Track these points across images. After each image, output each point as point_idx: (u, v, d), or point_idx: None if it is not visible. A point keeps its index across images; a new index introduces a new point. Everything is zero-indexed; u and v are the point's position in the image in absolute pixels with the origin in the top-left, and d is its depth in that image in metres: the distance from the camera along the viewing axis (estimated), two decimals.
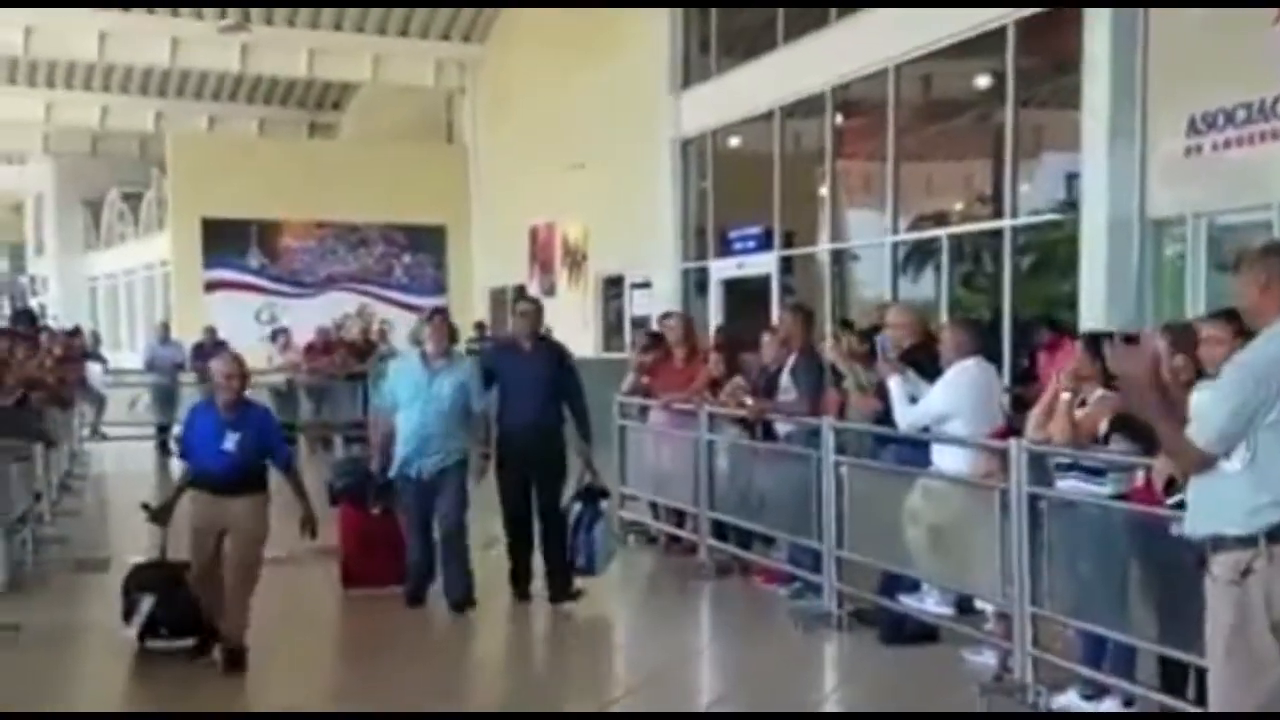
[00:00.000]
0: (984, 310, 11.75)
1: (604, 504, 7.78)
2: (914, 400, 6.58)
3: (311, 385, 16.82)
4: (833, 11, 13.47)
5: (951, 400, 6.38)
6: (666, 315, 11.03)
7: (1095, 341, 5.40)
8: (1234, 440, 3.55)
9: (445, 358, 7.46)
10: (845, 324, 11.14)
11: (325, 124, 29.32)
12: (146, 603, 6.41)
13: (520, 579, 7.67)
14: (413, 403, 7.29)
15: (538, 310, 8.01)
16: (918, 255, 13.13)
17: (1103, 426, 5.07)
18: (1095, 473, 5.23)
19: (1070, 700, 5.43)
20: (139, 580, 6.60)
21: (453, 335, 7.96)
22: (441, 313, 7.84)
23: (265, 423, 6.46)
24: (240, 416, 6.26)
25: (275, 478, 6.41)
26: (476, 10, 22.59)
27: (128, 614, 6.49)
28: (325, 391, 16.87)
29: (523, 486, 7.50)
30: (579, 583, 7.59)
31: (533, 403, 7.42)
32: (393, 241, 23.88)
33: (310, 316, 20.41)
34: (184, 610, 6.36)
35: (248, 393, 6.52)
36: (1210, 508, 3.64)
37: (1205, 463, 3.62)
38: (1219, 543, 3.60)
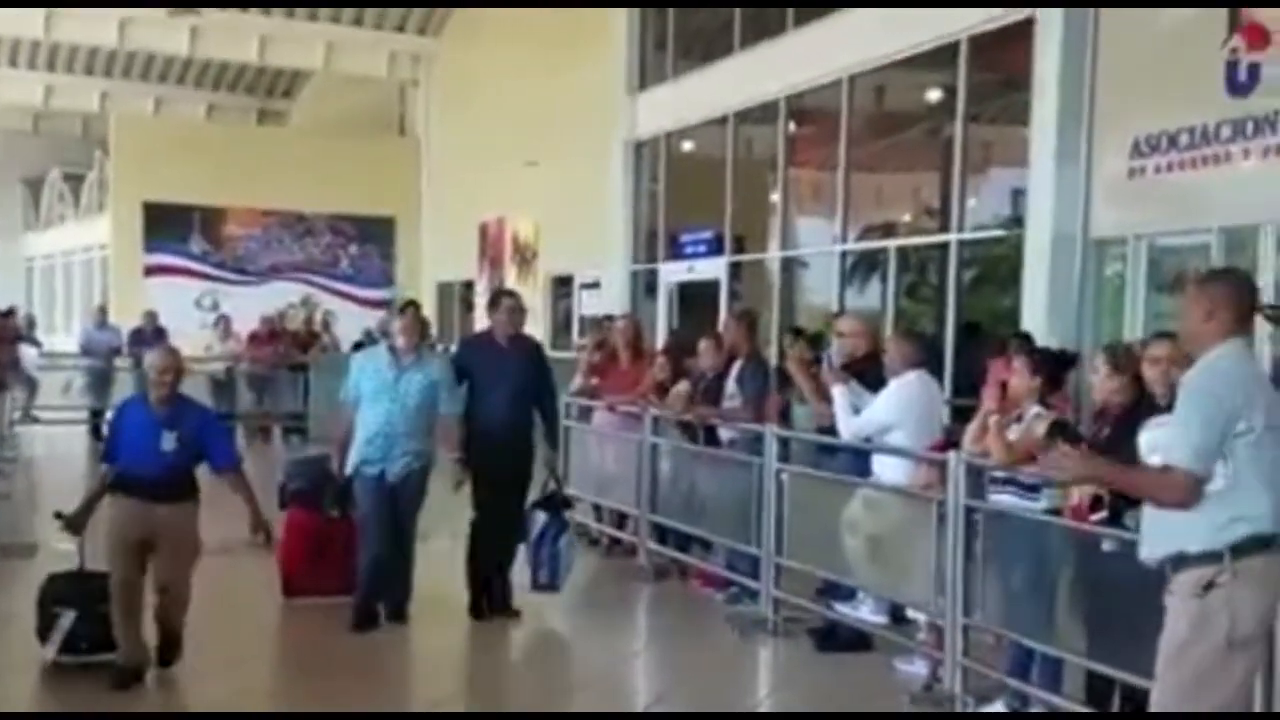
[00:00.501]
0: (927, 321, 11.87)
1: (568, 515, 7.42)
2: (857, 411, 6.63)
3: (253, 375, 16.62)
4: (789, 18, 13.55)
5: (894, 412, 6.44)
6: (610, 317, 11.03)
7: (1035, 357, 5.48)
8: (1211, 455, 3.52)
9: (415, 354, 6.99)
10: (796, 332, 11.20)
11: (275, 111, 29.04)
12: (66, 619, 5.83)
13: (480, 598, 7.21)
14: (378, 399, 6.83)
15: (522, 307, 7.51)
16: (864, 265, 13.23)
17: (1040, 429, 5.11)
18: (1030, 488, 5.29)
19: (998, 710, 5.48)
20: (56, 593, 5.97)
21: (424, 331, 7.43)
22: (414, 306, 7.33)
23: (205, 421, 5.99)
24: (176, 414, 5.78)
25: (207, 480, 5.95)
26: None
27: (44, 631, 5.92)
28: (267, 381, 16.69)
29: (497, 488, 7.08)
30: (531, 598, 7.32)
31: (507, 401, 7.06)
32: (340, 232, 23.71)
33: (253, 305, 20.14)
34: (107, 626, 5.77)
35: (183, 388, 6.02)
36: (1169, 529, 3.64)
37: (1196, 487, 3.54)
38: (1180, 561, 3.59)
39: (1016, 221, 10.71)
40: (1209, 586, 3.50)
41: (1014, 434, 5.35)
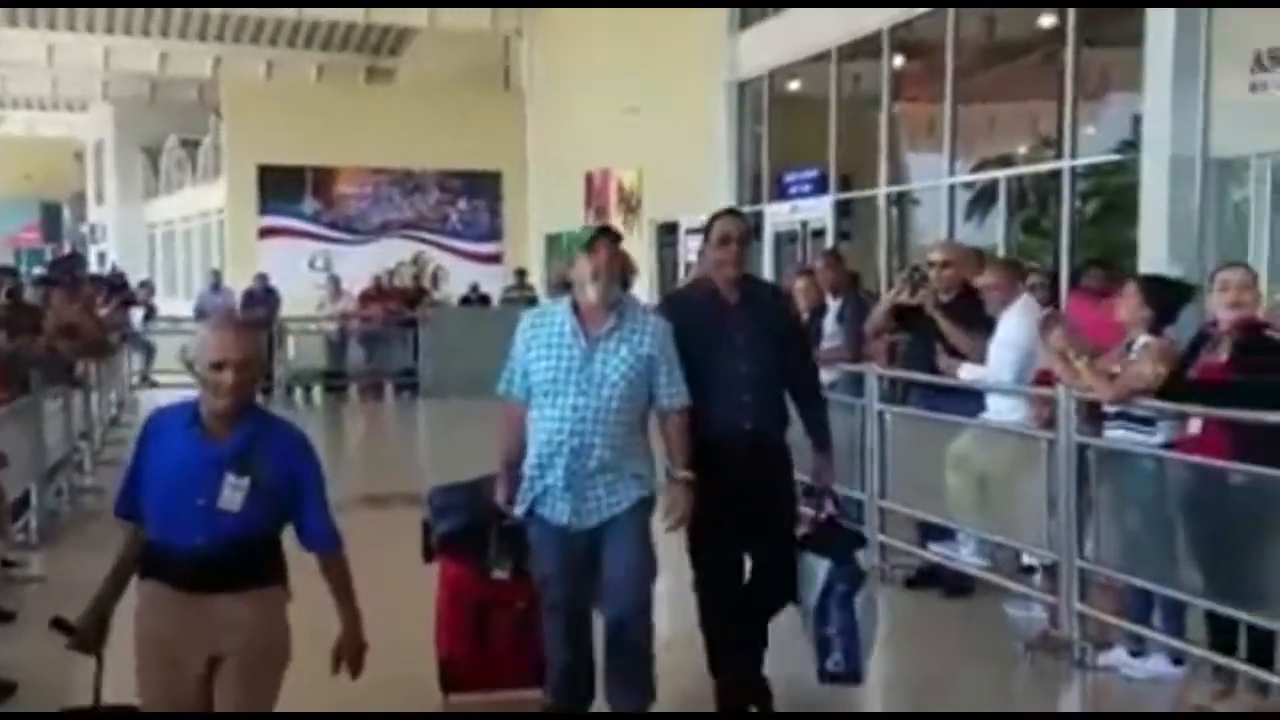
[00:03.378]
0: (1046, 256, 11.44)
1: (861, 557, 4.63)
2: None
3: (364, 333, 16.83)
4: None
5: (1027, 335, 6.14)
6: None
7: (1147, 286, 5.17)
8: None
9: (615, 315, 4.23)
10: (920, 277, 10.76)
11: (383, 69, 29.28)
12: None
13: (735, 687, 4.55)
14: (558, 390, 4.18)
15: (748, 231, 4.78)
16: (979, 200, 12.84)
17: (1150, 372, 4.82)
18: (1145, 421, 5.01)
19: (1117, 657, 5.23)
20: None
21: (626, 276, 4.63)
22: (610, 235, 4.33)
23: (292, 453, 3.27)
24: (247, 441, 3.18)
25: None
26: None
27: None
28: (377, 339, 16.88)
29: (738, 528, 4.45)
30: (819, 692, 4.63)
31: (747, 392, 4.46)
32: (448, 188, 23.87)
33: (365, 264, 20.44)
34: None
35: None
36: None
37: None
38: None
39: (1133, 146, 10.22)
40: None
41: (1123, 366, 5.05)
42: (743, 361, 4.45)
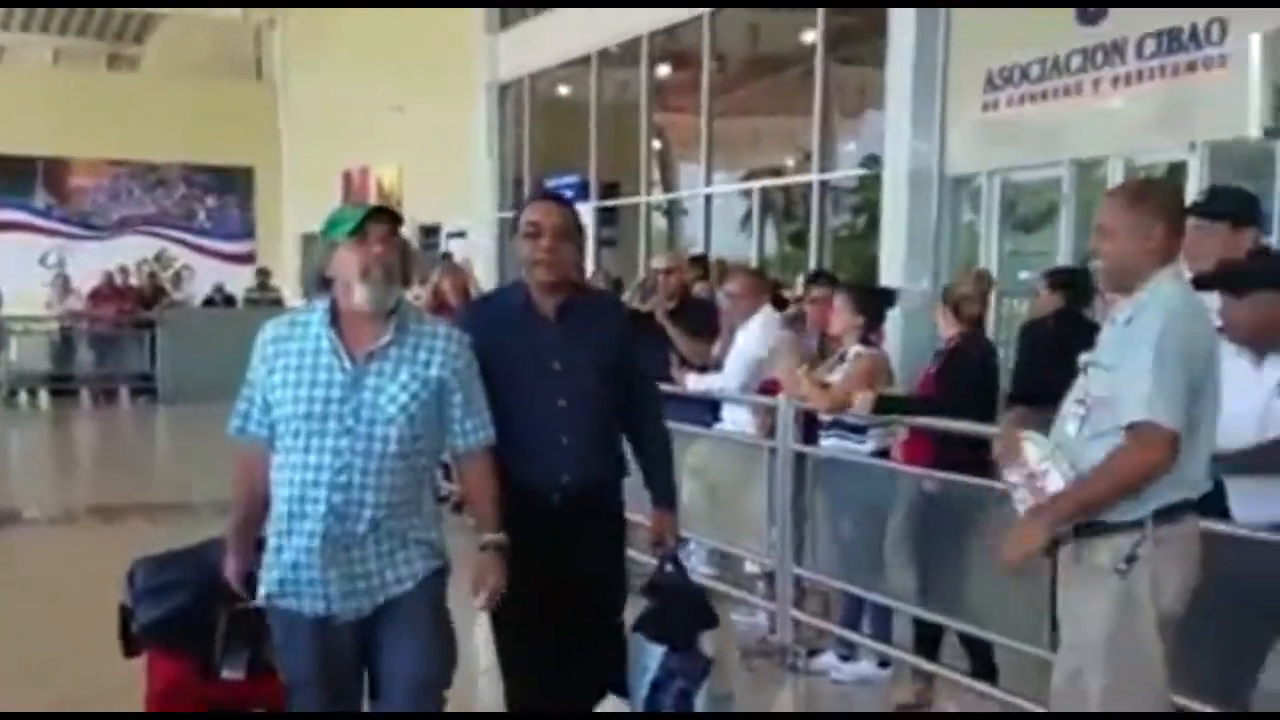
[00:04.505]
0: (805, 267, 11.67)
1: (706, 640, 3.57)
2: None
3: (95, 334, 15.82)
4: None
5: (762, 345, 6.10)
6: (448, 255, 10.32)
7: (855, 295, 5.21)
8: (1183, 406, 2.83)
9: (392, 325, 3.12)
10: (651, 286, 10.74)
11: (127, 57, 27.78)
12: None
13: None
14: (312, 429, 3.04)
15: (569, 221, 3.55)
16: (741, 210, 13.03)
17: (861, 402, 4.82)
18: (856, 430, 5.02)
19: (828, 660, 5.25)
20: None
21: (405, 274, 3.28)
22: (386, 216, 3.18)
23: None
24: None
25: None
26: None
27: None
28: (110, 341, 15.91)
29: (543, 609, 3.38)
30: None
31: (566, 433, 3.43)
32: (195, 183, 22.80)
33: (103, 262, 19.21)
34: None
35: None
36: None
37: (1176, 444, 2.83)
38: (1093, 530, 2.94)
39: (875, 160, 10.46)
40: (1130, 559, 2.89)
41: (837, 375, 5.05)
42: (560, 393, 3.39)
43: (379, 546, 3.06)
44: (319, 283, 3.13)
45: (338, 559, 3.02)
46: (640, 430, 3.65)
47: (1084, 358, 3.05)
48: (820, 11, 10.87)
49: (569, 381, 3.41)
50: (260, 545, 3.16)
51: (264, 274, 18.85)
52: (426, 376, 3.09)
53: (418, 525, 3.12)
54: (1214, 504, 3.26)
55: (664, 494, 3.66)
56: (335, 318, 3.08)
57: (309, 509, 3.00)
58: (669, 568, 3.66)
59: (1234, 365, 3.27)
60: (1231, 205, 3.79)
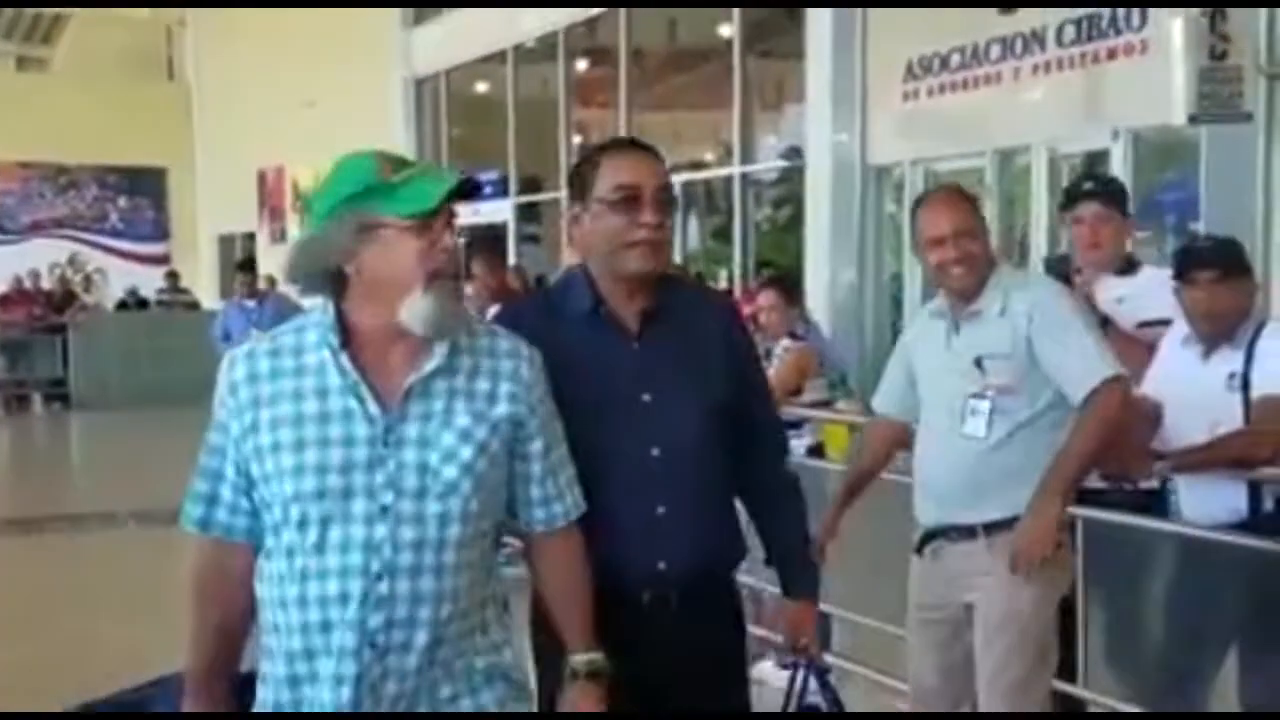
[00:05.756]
0: (731, 263, 11.66)
1: None
2: None
3: (5, 340, 15.40)
4: None
5: None
6: None
7: (781, 287, 5.17)
8: None
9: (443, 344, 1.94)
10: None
11: (36, 58, 27.00)
12: None
13: None
14: (330, 512, 1.88)
15: (669, 186, 2.34)
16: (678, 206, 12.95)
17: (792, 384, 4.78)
18: (791, 425, 4.96)
19: (765, 669, 5.18)
20: None
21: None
22: (470, 187, 2.04)
23: None
24: None
25: None
26: None
27: None
28: (20, 346, 15.49)
29: None
30: None
31: (663, 499, 2.24)
32: (107, 184, 22.27)
33: (12, 265, 18.70)
34: None
35: None
36: (1006, 492, 2.87)
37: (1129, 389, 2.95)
38: (1007, 523, 2.86)
39: (797, 153, 10.46)
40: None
41: (771, 371, 4.99)
42: (653, 439, 2.23)
43: (442, 689, 1.94)
44: (325, 279, 1.95)
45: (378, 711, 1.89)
46: (760, 485, 2.41)
47: (970, 357, 2.94)
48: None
49: (664, 422, 2.24)
50: (243, 686, 2.02)
51: (174, 276, 18.39)
52: (494, 417, 1.97)
53: (490, 644, 2.00)
54: (1158, 504, 3.25)
55: (800, 578, 2.48)
56: (346, 340, 1.92)
57: (334, 641, 1.87)
58: (811, 691, 2.55)
59: (1180, 356, 3.26)
60: (1122, 193, 3.81)
